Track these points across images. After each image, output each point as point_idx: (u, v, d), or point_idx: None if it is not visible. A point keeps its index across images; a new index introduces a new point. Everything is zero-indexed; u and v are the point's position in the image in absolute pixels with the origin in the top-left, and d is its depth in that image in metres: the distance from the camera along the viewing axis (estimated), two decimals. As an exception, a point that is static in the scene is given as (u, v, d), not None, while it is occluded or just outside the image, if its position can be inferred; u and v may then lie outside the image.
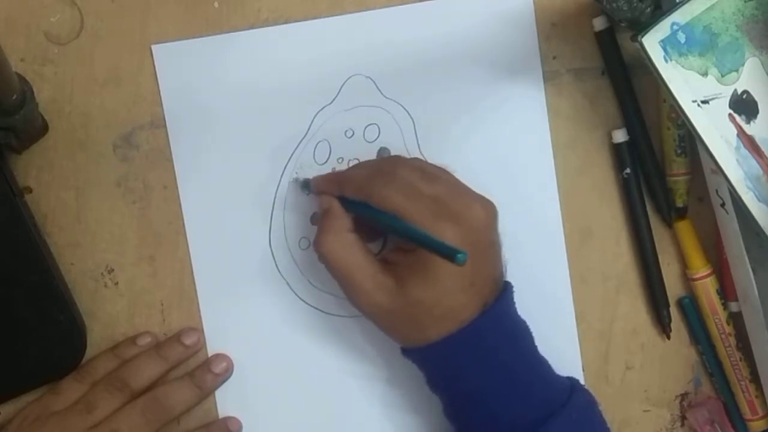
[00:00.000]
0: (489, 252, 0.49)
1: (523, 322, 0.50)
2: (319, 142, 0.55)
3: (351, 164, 0.55)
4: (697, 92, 0.49)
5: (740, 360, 0.57)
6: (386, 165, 0.51)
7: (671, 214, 0.57)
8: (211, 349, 0.55)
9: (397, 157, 0.54)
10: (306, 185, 0.54)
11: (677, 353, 0.58)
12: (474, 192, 0.50)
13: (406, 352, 0.50)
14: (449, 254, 0.43)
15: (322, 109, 0.55)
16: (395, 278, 0.48)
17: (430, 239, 0.45)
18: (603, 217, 0.57)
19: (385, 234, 0.54)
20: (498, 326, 0.48)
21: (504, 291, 0.50)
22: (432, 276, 0.47)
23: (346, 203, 0.50)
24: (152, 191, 0.54)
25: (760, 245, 0.53)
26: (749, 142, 0.50)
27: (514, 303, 0.50)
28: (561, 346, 0.56)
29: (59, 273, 0.53)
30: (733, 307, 0.57)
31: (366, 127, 0.55)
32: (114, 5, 0.54)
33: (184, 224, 0.54)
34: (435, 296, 0.47)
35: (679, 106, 0.49)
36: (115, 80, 0.54)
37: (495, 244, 0.50)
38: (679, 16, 0.49)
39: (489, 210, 0.49)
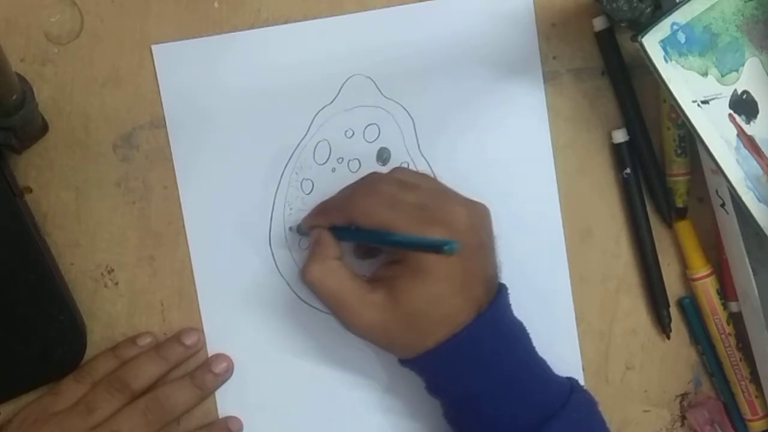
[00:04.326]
0: (479, 253, 0.49)
1: (520, 324, 0.50)
2: (319, 142, 0.55)
3: (351, 164, 0.55)
4: (697, 92, 0.49)
5: (740, 360, 0.57)
6: (365, 183, 0.51)
7: (671, 214, 0.57)
8: (211, 349, 0.55)
9: (375, 174, 0.53)
10: (299, 229, 0.54)
11: (677, 353, 0.58)
12: (458, 195, 0.50)
13: (404, 362, 0.50)
14: (438, 247, 0.43)
15: (322, 109, 0.55)
16: (387, 293, 0.48)
17: (417, 239, 0.46)
18: (603, 217, 0.57)
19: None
20: (494, 329, 0.48)
21: (498, 293, 0.50)
22: (422, 282, 0.47)
23: (336, 232, 0.50)
24: (152, 191, 0.54)
25: (760, 245, 0.53)
26: (749, 142, 0.50)
27: (509, 305, 0.50)
28: (561, 346, 0.56)
29: (59, 273, 0.53)
30: (733, 307, 0.57)
31: (366, 127, 0.55)
32: (114, 5, 0.54)
33: (184, 224, 0.54)
34: (428, 302, 0.47)
35: (679, 106, 0.49)
36: (115, 80, 0.54)
37: (485, 245, 0.49)
38: (679, 16, 0.49)
39: (475, 212, 0.49)
